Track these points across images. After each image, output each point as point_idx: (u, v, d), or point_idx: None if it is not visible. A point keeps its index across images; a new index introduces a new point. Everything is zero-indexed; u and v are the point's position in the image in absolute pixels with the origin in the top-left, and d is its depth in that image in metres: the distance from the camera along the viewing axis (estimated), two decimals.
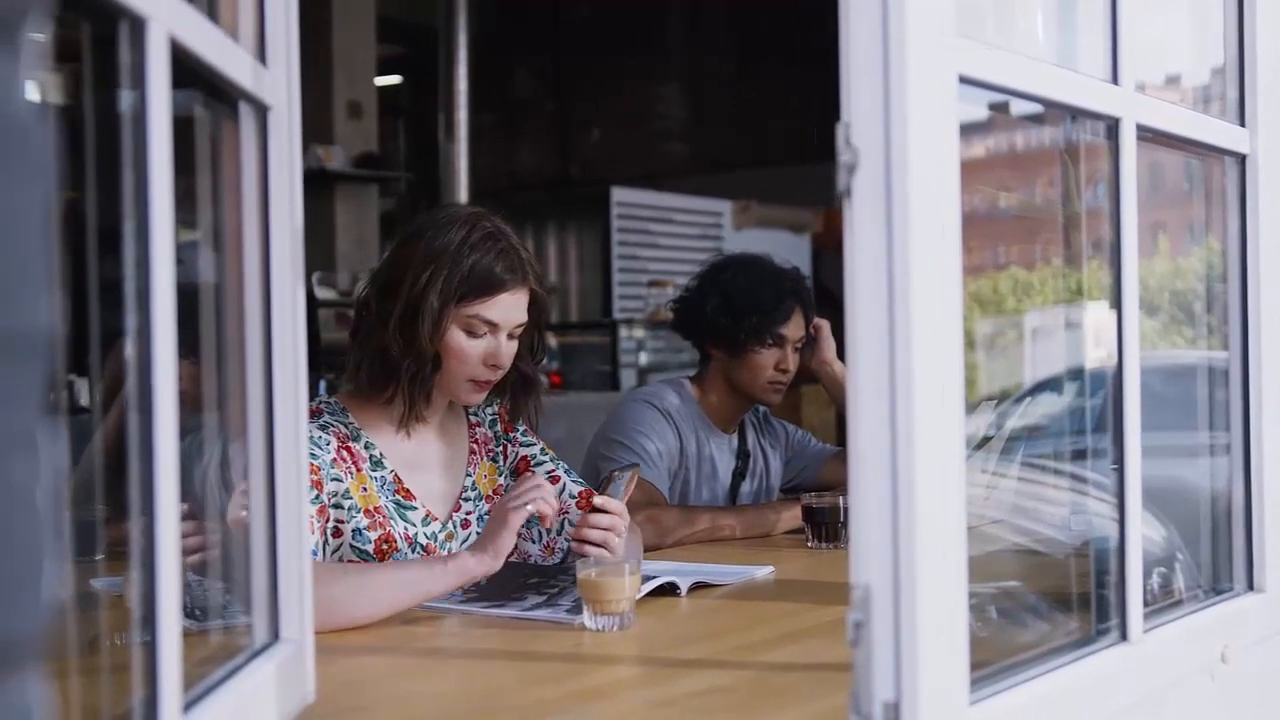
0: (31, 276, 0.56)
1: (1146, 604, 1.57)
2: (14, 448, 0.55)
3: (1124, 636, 1.53)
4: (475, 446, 2.41)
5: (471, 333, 2.21)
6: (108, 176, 1.05)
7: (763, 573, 2.38)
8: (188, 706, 1.10)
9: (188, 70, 1.12)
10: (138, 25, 1.00)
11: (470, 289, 2.19)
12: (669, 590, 2.15)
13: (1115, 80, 1.53)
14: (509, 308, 2.23)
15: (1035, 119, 1.74)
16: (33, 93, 0.59)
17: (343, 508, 2.17)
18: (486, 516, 2.34)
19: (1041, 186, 2.06)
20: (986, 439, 2.18)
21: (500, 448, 2.44)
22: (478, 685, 1.67)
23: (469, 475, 2.37)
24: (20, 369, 0.56)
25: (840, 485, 3.02)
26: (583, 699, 1.59)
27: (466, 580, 2.01)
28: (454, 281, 2.18)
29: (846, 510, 2.68)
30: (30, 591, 0.57)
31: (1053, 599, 1.75)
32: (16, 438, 0.56)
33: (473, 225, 2.22)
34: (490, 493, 2.39)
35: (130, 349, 1.03)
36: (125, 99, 1.03)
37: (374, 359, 2.23)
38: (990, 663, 1.35)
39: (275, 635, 1.38)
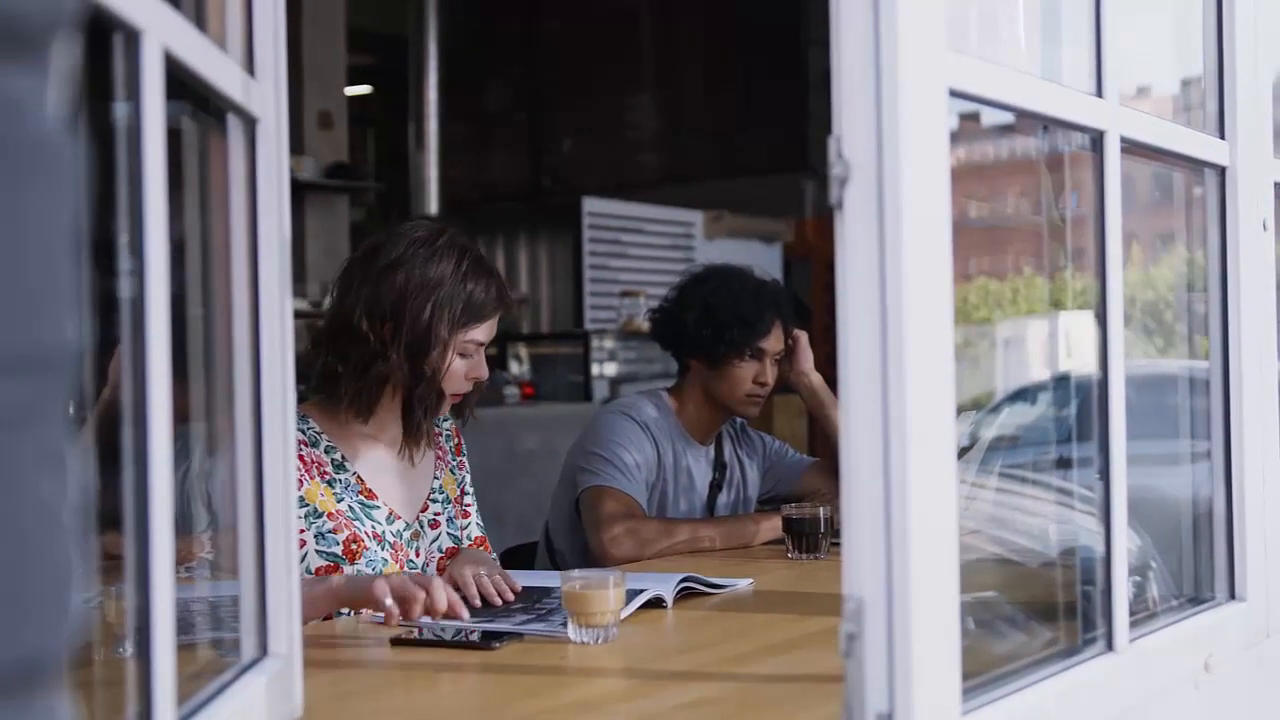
0: (62, 293, 0.56)
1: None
2: (44, 465, 0.55)
3: (1110, 646, 1.54)
4: (440, 452, 2.50)
5: (463, 355, 2.33)
6: (100, 187, 1.04)
7: (744, 584, 2.38)
8: None
9: (177, 82, 1.12)
10: (132, 37, 1.00)
11: (471, 317, 2.31)
12: (655, 602, 2.14)
13: (1099, 93, 1.54)
14: (493, 327, 2.37)
15: (1005, 129, 1.75)
16: (60, 110, 0.58)
17: (300, 517, 2.19)
18: (453, 520, 2.46)
19: (1013, 197, 2.07)
20: (963, 450, 2.19)
21: (457, 461, 2.55)
22: (465, 700, 1.67)
23: (436, 478, 2.46)
24: (49, 385, 0.56)
25: (818, 495, 3.02)
26: (571, 713, 1.59)
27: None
28: (457, 311, 2.29)
29: (826, 521, 2.70)
30: (60, 608, 0.56)
31: (1035, 609, 1.75)
32: (46, 455, 0.55)
33: (461, 253, 2.32)
34: (453, 498, 2.49)
35: (124, 362, 1.02)
36: (119, 110, 1.02)
37: (376, 384, 2.29)
38: (979, 673, 1.35)
39: (264, 650, 1.37)
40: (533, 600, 2.17)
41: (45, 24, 0.56)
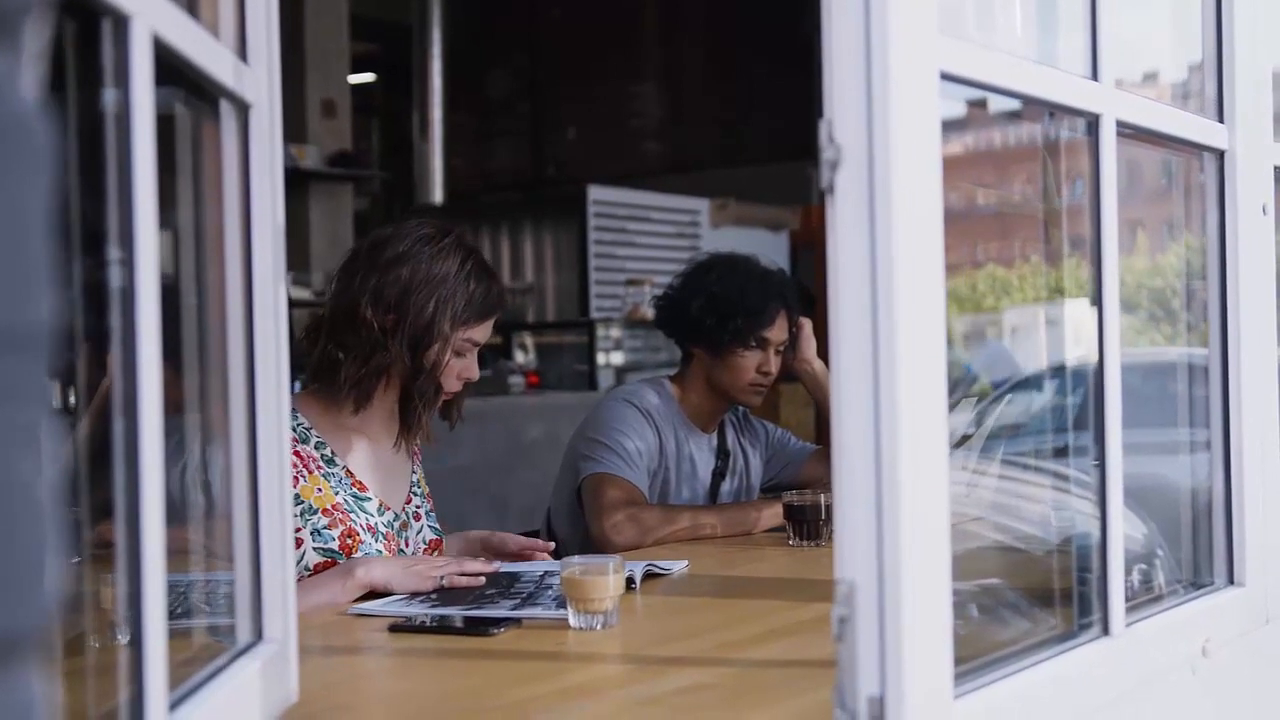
0: (35, 272, 0.57)
1: (1127, 599, 1.58)
2: (19, 442, 0.56)
3: (1106, 631, 1.54)
4: (416, 450, 2.53)
5: (459, 353, 2.36)
6: (88, 175, 1.04)
7: (680, 565, 2.41)
8: (173, 706, 1.10)
9: (168, 68, 1.12)
10: (121, 23, 1.00)
11: (472, 315, 2.34)
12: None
13: (1095, 77, 1.54)
14: (490, 328, 2.41)
15: (1013, 115, 1.75)
16: (33, 90, 0.58)
17: (296, 514, 2.21)
18: (431, 513, 2.51)
19: (1019, 183, 2.07)
20: (966, 437, 2.19)
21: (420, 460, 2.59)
22: (461, 685, 1.67)
23: (414, 473, 2.51)
24: (25, 363, 0.56)
25: (821, 483, 3.02)
26: (568, 697, 1.59)
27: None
28: (459, 308, 2.32)
29: (828, 508, 2.70)
30: (35, 586, 0.57)
31: (1034, 595, 1.75)
32: (22, 431, 0.56)
33: (466, 253, 2.36)
34: (427, 493, 2.54)
35: (113, 351, 1.03)
36: (107, 97, 1.02)
37: (375, 375, 2.31)
38: (974, 658, 1.35)
39: (259, 635, 1.38)
40: (506, 585, 2.17)
41: (17, 6, 0.56)
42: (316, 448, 2.32)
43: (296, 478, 2.24)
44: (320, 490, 2.29)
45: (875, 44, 1.17)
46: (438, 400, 2.38)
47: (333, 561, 2.24)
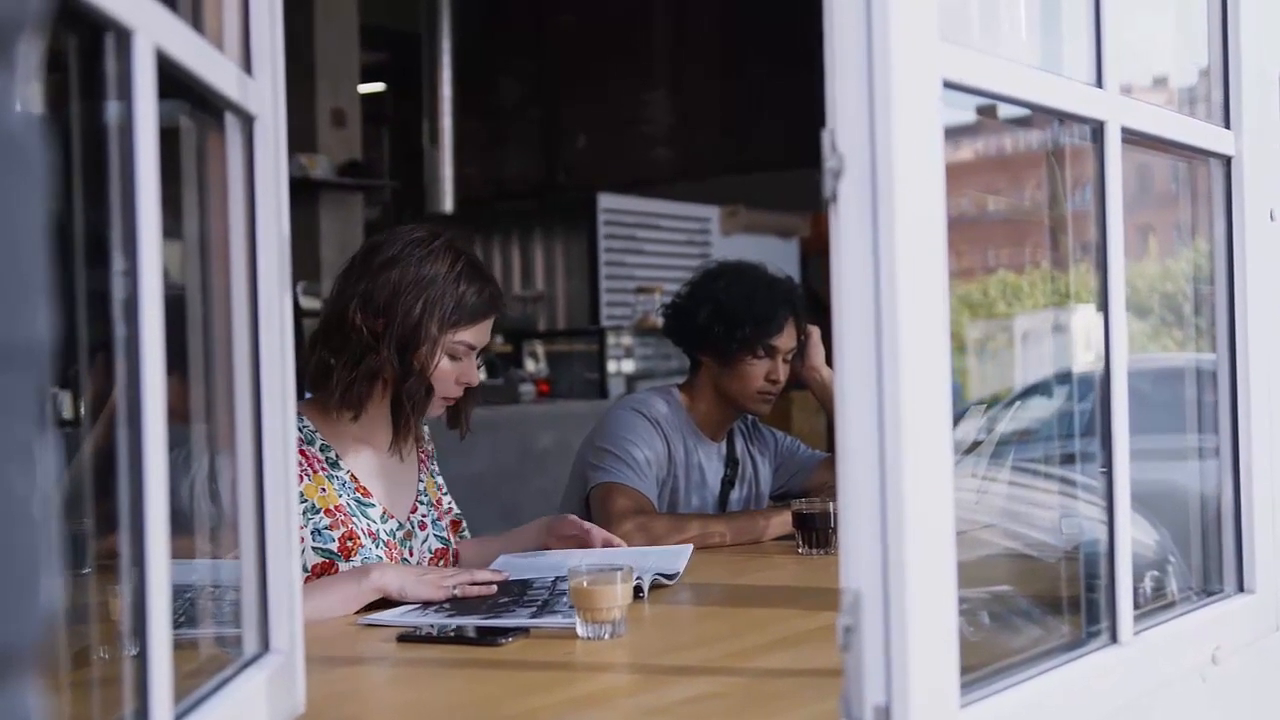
0: (29, 287, 0.57)
1: (1138, 607, 1.57)
2: (12, 458, 0.56)
3: (1114, 639, 1.53)
4: (423, 457, 2.54)
5: (453, 356, 2.36)
6: (93, 187, 1.05)
7: (684, 555, 2.43)
8: (179, 717, 1.10)
9: (172, 80, 1.12)
10: (124, 36, 1.00)
11: (461, 317, 2.33)
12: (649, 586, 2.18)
13: (1100, 84, 1.54)
14: (486, 332, 2.40)
15: (1022, 122, 1.75)
16: (28, 105, 0.59)
17: (297, 512, 2.22)
18: (438, 522, 2.50)
19: (1031, 190, 2.06)
20: (976, 443, 2.18)
21: (434, 465, 2.59)
22: (470, 695, 1.67)
23: (420, 481, 2.50)
24: (18, 379, 0.56)
25: (830, 491, 3.02)
26: (576, 707, 1.59)
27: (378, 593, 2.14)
28: (448, 310, 2.31)
29: (836, 516, 2.69)
30: (29, 601, 0.57)
31: (1044, 602, 1.75)
32: (15, 448, 0.56)
33: (456, 255, 2.36)
34: (434, 501, 2.52)
35: (118, 361, 1.03)
36: (111, 110, 1.03)
37: (366, 379, 2.31)
38: (981, 666, 1.35)
39: (265, 646, 1.38)
40: (519, 594, 2.17)
41: (11, 23, 0.56)
42: (322, 450, 2.33)
43: (300, 476, 2.24)
44: (324, 490, 2.29)
45: (877, 52, 1.17)
46: (428, 403, 2.36)
47: (331, 563, 2.24)
